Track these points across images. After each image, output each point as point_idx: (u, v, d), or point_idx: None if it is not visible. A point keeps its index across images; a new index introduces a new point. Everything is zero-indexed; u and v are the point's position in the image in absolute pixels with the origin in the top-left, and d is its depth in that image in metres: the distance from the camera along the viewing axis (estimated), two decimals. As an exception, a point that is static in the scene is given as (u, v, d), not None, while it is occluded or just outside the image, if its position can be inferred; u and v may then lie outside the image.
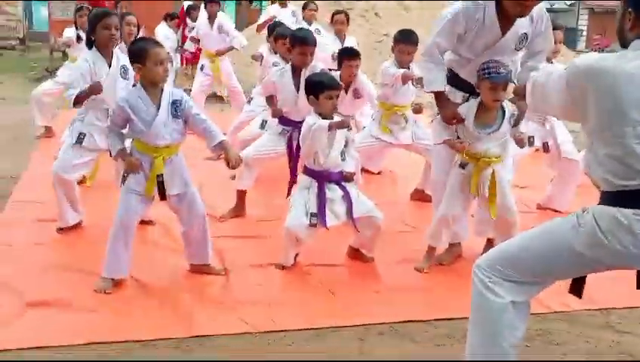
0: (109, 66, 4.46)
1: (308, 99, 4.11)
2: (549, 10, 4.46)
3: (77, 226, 4.70)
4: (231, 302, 3.68)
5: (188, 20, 11.81)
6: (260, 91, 6.24)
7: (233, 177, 6.13)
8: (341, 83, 4.88)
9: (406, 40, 5.42)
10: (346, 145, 4.12)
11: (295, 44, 4.89)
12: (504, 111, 3.97)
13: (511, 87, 3.90)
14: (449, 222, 4.14)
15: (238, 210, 5.16)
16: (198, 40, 8.69)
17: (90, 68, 4.38)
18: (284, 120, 5.05)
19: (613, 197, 2.41)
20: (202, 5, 9.31)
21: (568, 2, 35.05)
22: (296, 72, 4.92)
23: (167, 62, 3.70)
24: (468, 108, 3.98)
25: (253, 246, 4.53)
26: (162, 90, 3.68)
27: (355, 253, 4.34)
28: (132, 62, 3.68)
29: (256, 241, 4.63)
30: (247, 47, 8.65)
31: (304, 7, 8.59)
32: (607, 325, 3.55)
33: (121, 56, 4.54)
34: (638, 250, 2.36)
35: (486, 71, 3.83)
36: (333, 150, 4.02)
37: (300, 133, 4.78)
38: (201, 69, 8.50)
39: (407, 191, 5.84)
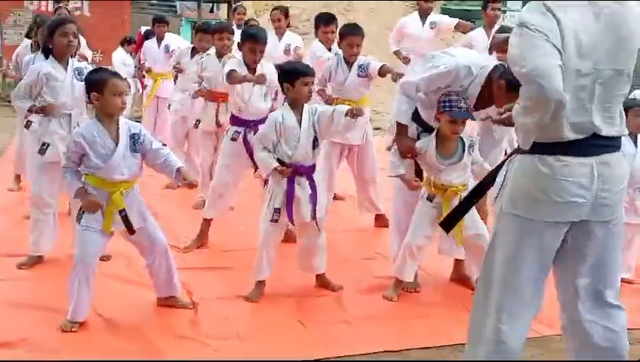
0: (66, 71, 4.45)
1: (282, 87, 4.12)
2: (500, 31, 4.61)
3: (37, 260, 4.57)
4: (201, 336, 3.61)
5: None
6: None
7: (196, 206, 6.11)
8: None
9: (352, 31, 5.44)
10: (316, 133, 4.07)
11: (245, 40, 4.92)
12: (463, 142, 4.03)
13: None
14: (414, 252, 4.15)
15: (202, 239, 5.09)
16: (148, 68, 8.54)
17: (40, 79, 4.41)
18: (235, 120, 5.03)
19: (534, 147, 2.50)
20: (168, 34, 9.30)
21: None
22: (250, 68, 4.90)
23: (125, 95, 3.64)
24: (428, 142, 4.03)
25: (220, 278, 4.47)
26: (118, 122, 3.61)
27: (323, 283, 4.32)
28: (89, 91, 3.60)
29: (223, 272, 4.57)
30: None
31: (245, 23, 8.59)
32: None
33: (74, 60, 4.54)
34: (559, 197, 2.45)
35: (447, 104, 3.85)
36: (301, 142, 4.00)
37: (255, 133, 4.70)
38: (145, 88, 8.44)
39: (368, 216, 5.82)
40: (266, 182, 4.62)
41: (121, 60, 10.93)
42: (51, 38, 4.41)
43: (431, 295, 4.28)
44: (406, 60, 8.50)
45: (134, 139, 3.61)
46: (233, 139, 4.98)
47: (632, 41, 2.48)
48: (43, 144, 4.45)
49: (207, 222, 5.10)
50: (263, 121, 4.95)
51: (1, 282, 4.28)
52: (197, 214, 5.88)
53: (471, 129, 4.35)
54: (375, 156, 5.67)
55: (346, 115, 3.98)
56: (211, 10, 27.23)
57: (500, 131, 4.64)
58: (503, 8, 8.80)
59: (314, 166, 4.10)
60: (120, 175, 3.57)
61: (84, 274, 3.61)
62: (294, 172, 4.01)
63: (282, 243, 4.43)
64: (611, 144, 2.51)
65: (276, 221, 4.03)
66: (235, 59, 5.04)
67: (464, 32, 8.43)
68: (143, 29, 12.43)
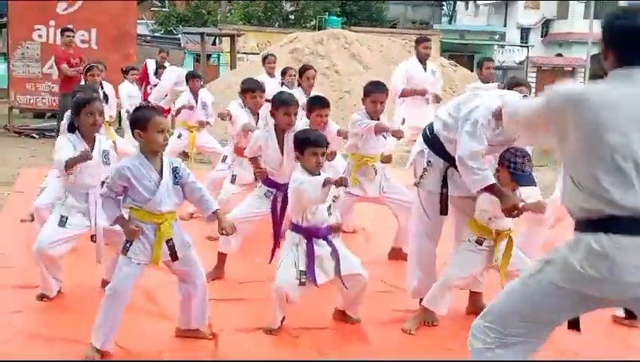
0: (92, 150, 4.41)
1: (295, 155, 4.16)
2: (498, 68, 4.64)
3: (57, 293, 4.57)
4: (222, 369, 3.63)
5: (151, 78, 11.85)
6: (233, 150, 6.25)
7: (210, 237, 6.13)
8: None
9: (377, 89, 5.51)
10: (333, 201, 4.13)
11: (279, 105, 4.92)
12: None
13: None
14: (452, 288, 4.21)
15: (219, 272, 5.11)
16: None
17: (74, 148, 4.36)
18: (268, 181, 5.04)
19: (585, 224, 2.50)
20: (167, 65, 9.38)
21: (517, 60, 36.49)
22: (279, 133, 4.96)
23: (167, 132, 3.72)
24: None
25: (238, 310, 4.48)
26: (161, 157, 3.70)
27: (341, 316, 4.33)
28: (133, 128, 3.68)
29: (241, 304, 4.59)
30: (214, 105, 8.70)
31: (283, 73, 8.76)
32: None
33: (102, 140, 4.55)
34: (614, 276, 2.43)
35: (512, 165, 3.92)
36: (320, 206, 4.04)
37: (284, 195, 4.85)
38: (179, 137, 8.39)
39: (381, 248, 5.85)
40: (272, 256, 4.71)
41: (127, 92, 11.03)
42: (77, 117, 4.42)
43: (449, 329, 4.28)
44: (422, 92, 8.74)
45: (176, 172, 3.71)
46: (266, 196, 4.97)
47: None
48: (62, 217, 4.42)
49: (222, 256, 5.13)
50: None
51: (18, 314, 4.29)
52: (210, 245, 5.92)
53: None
54: (403, 193, 5.59)
55: (325, 184, 3.91)
56: (213, 43, 27.58)
57: None
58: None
59: (330, 229, 4.11)
60: (166, 206, 3.65)
61: (118, 304, 3.65)
62: (312, 235, 4.03)
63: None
64: None
65: (303, 284, 4.01)
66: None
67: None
68: (149, 61, 12.64)
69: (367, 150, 5.59)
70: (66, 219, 4.40)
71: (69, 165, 4.28)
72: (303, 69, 8.14)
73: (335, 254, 4.05)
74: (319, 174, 4.06)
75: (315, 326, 4.23)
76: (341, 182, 3.90)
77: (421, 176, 4.25)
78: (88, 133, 4.43)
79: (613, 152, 2.42)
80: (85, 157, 4.29)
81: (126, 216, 3.71)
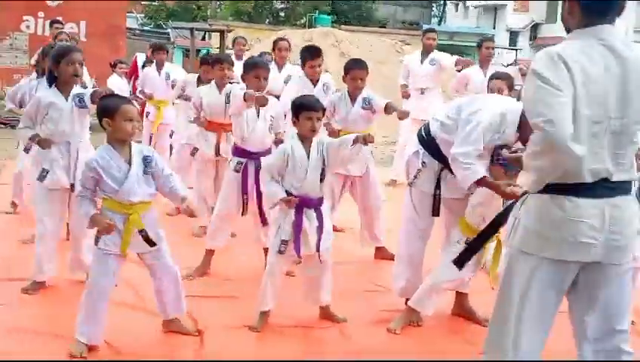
0: (66, 100, 4.47)
1: (292, 120, 4.20)
2: None
3: (40, 285, 4.55)
4: (208, 366, 3.62)
5: (140, 72, 11.76)
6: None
7: (196, 234, 6.13)
8: None
9: (357, 65, 5.57)
10: (324, 166, 4.11)
11: (249, 69, 5.01)
12: None
13: None
14: (440, 290, 4.23)
15: (205, 268, 5.11)
16: (146, 94, 8.46)
17: (42, 108, 4.45)
18: (238, 151, 5.06)
19: (547, 187, 2.56)
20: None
21: (505, 63, 36.57)
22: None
23: (137, 120, 3.67)
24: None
25: (224, 307, 4.47)
26: (130, 146, 3.66)
27: (327, 314, 4.34)
28: (102, 117, 3.63)
29: (227, 301, 4.58)
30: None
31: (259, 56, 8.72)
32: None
33: (75, 88, 4.54)
34: (571, 236, 2.51)
35: (502, 158, 3.86)
36: (308, 174, 4.04)
37: (256, 165, 4.89)
38: (146, 115, 8.42)
39: (368, 248, 5.86)
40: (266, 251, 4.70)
41: (116, 86, 10.95)
42: (57, 66, 4.43)
43: (434, 329, 4.30)
44: (405, 95, 8.84)
45: (147, 161, 3.67)
46: (237, 171, 5.02)
47: None
48: (43, 170, 4.49)
49: (209, 252, 5.12)
50: (265, 153, 5.03)
51: (1, 307, 4.26)
52: (196, 242, 5.92)
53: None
54: (378, 188, 5.73)
55: (355, 142, 4.03)
56: (203, 38, 27.48)
57: None
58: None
59: (321, 199, 4.14)
60: (135, 196, 3.61)
61: (99, 298, 3.63)
62: (302, 204, 4.04)
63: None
64: (622, 187, 2.58)
65: (282, 252, 4.06)
66: (238, 86, 5.11)
67: (464, 67, 8.65)
68: (139, 55, 12.56)
69: (348, 126, 5.54)
70: (47, 172, 4.41)
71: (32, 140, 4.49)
72: (276, 41, 8.02)
73: (320, 230, 4.07)
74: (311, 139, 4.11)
75: (301, 325, 4.23)
76: (369, 139, 4.04)
77: (415, 176, 4.26)
78: (68, 84, 4.45)
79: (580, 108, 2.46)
80: (45, 144, 4.45)
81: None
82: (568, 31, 2.66)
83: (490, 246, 4.13)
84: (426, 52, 9.07)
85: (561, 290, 2.65)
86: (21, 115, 5.91)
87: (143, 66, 11.88)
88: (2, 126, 13.07)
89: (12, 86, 13.01)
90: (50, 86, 4.51)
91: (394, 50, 17.82)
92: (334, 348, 3.96)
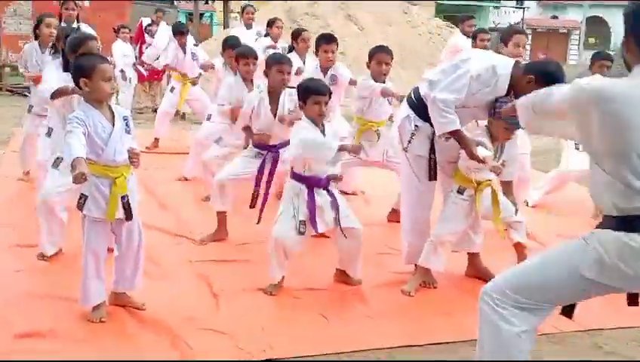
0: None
1: (298, 103, 4.18)
2: (492, 30, 4.63)
3: (57, 253, 4.58)
4: (224, 329, 3.64)
5: (146, 37, 11.71)
6: (222, 111, 6.14)
7: (206, 198, 6.12)
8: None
9: (382, 50, 5.53)
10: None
11: (272, 64, 4.91)
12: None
13: None
14: (444, 243, 4.26)
15: (221, 234, 5.12)
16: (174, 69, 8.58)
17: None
18: (258, 144, 5.04)
19: (619, 222, 2.47)
20: (162, 24, 9.36)
21: (512, 22, 36.18)
22: (272, 94, 4.93)
23: (114, 80, 3.61)
24: (484, 138, 4.12)
25: (238, 271, 4.50)
26: (110, 106, 3.61)
27: (342, 277, 4.36)
28: (79, 76, 3.54)
29: (241, 265, 4.61)
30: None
31: (269, 24, 8.64)
32: (596, 346, 3.67)
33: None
34: None
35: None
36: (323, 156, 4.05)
37: (274, 158, 4.90)
38: (171, 90, 8.52)
39: (381, 211, 5.89)
40: (259, 218, 4.74)
41: (121, 51, 10.94)
42: (74, 56, 4.30)
43: (448, 291, 4.32)
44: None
45: (126, 121, 3.63)
46: (257, 157, 4.99)
47: None
48: (49, 128, 4.81)
49: (222, 217, 5.12)
50: (284, 145, 4.96)
51: (20, 273, 4.31)
52: (207, 207, 5.93)
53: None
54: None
55: (341, 150, 4.05)
56: (206, 2, 27.24)
57: None
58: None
59: (329, 179, 4.10)
60: (120, 155, 3.54)
61: (94, 263, 3.62)
62: (314, 184, 4.04)
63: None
64: None
65: (303, 233, 4.04)
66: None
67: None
68: (144, 20, 12.47)
69: (371, 114, 5.59)
70: (61, 159, 4.32)
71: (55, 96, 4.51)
72: (298, 31, 7.78)
73: (335, 204, 4.08)
74: (323, 124, 4.10)
75: (316, 288, 4.26)
76: (355, 151, 4.09)
77: (409, 141, 4.23)
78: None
79: (638, 151, 2.38)
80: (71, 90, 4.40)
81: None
82: (629, 69, 2.57)
83: (483, 194, 4.16)
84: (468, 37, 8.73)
85: None
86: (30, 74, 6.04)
87: (146, 29, 11.87)
88: (9, 93, 13.06)
89: (17, 53, 13.04)
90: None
91: (401, 12, 17.61)
92: (350, 310, 3.98)
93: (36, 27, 6.26)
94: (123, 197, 3.57)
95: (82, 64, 3.58)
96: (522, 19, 37.47)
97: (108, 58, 3.95)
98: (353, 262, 4.31)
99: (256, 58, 5.84)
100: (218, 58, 7.54)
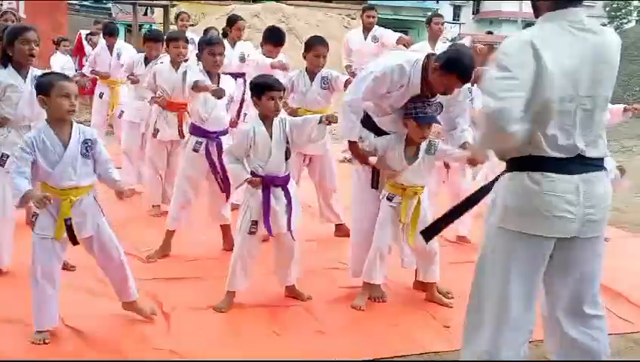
0: (24, 81, 4.36)
1: (253, 100, 4.18)
2: None
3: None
4: (176, 348, 3.60)
5: (86, 48, 11.51)
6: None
7: (152, 214, 6.08)
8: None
9: (319, 42, 5.56)
10: (288, 145, 4.12)
11: (204, 46, 5.00)
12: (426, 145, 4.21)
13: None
14: (383, 254, 4.27)
15: (165, 250, 5.08)
16: (99, 73, 8.33)
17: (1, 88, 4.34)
18: (197, 130, 5.04)
19: (520, 163, 2.67)
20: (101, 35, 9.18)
21: (449, 37, 36.94)
22: (210, 76, 4.96)
23: (75, 97, 3.51)
24: (395, 141, 4.18)
25: (189, 288, 4.46)
26: (72, 127, 3.55)
27: (292, 292, 4.38)
28: (37, 93, 3.54)
29: (190, 282, 4.57)
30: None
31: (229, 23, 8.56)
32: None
33: (32, 70, 4.42)
34: (547, 211, 2.60)
35: (413, 111, 4.05)
36: (273, 154, 4.05)
37: (217, 145, 4.93)
38: (100, 96, 8.28)
39: (330, 226, 5.92)
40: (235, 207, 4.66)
41: (60, 65, 10.68)
42: (11, 46, 4.30)
43: (397, 304, 4.38)
44: (353, 75, 8.75)
45: (87, 145, 3.56)
46: (195, 150, 5.00)
47: (611, 70, 2.65)
48: (2, 155, 4.36)
49: (170, 233, 5.09)
50: (224, 132, 5.04)
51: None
52: (152, 221, 5.88)
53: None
54: (334, 165, 5.78)
55: (320, 122, 4.06)
56: (145, 13, 26.89)
57: None
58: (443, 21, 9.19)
59: (288, 177, 4.16)
60: (69, 181, 3.49)
61: (46, 282, 3.56)
62: (269, 183, 4.05)
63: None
64: (594, 163, 2.67)
65: (253, 233, 4.08)
66: (195, 68, 5.06)
67: (406, 46, 8.68)
68: (83, 32, 12.26)
69: (307, 104, 5.56)
70: (7, 157, 4.28)
71: None
72: (233, 19, 7.83)
73: (289, 208, 4.11)
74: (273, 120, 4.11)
75: (267, 304, 4.26)
76: (332, 120, 4.06)
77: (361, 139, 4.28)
78: (25, 64, 4.34)
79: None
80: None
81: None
82: (537, 15, 2.72)
83: (410, 202, 4.20)
84: (366, 29, 9.08)
85: (541, 265, 2.73)
86: None
87: (87, 38, 11.63)
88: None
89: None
90: (5, 67, 4.37)
91: (341, 26, 17.81)
92: (302, 326, 4.00)
93: None
94: (66, 221, 3.52)
95: (40, 81, 3.57)
96: (459, 35, 38.30)
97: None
98: (289, 268, 4.31)
99: (186, 41, 6.02)
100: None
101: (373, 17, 9.14)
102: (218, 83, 4.97)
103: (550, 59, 2.51)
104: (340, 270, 4.93)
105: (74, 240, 3.60)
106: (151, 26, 27.07)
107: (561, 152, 2.61)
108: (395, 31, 9.32)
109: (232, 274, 4.13)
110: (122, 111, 7.32)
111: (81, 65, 11.13)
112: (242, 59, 7.29)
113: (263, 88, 4.08)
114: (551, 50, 2.53)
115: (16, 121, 4.37)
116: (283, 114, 4.98)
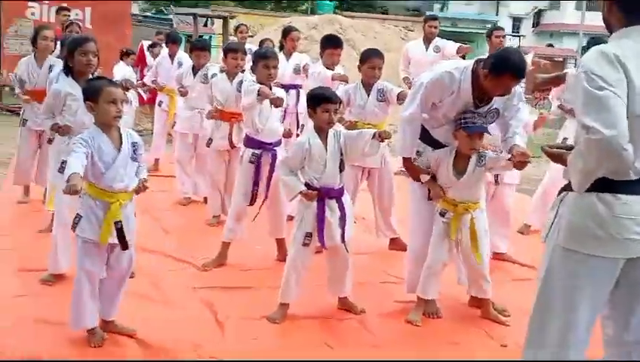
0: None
1: (308, 111, 4.20)
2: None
3: (59, 277, 4.55)
4: (230, 356, 3.62)
5: (148, 59, 11.74)
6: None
7: (211, 224, 6.14)
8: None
9: (375, 54, 5.51)
10: (342, 157, 4.12)
11: (258, 59, 5.03)
12: (475, 158, 4.13)
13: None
14: (437, 271, 4.22)
15: (221, 259, 5.11)
16: (158, 84, 8.44)
17: (61, 98, 4.47)
18: (251, 141, 5.07)
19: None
20: (164, 48, 9.35)
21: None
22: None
23: (121, 103, 3.57)
24: (445, 155, 4.13)
25: (243, 297, 4.49)
26: (119, 130, 3.61)
27: (346, 305, 4.35)
28: (85, 99, 3.61)
29: (245, 292, 4.59)
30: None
31: (261, 43, 8.61)
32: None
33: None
34: (618, 234, 2.51)
35: (462, 121, 4.01)
36: (328, 166, 4.05)
37: (272, 156, 4.97)
38: (159, 104, 8.44)
39: (382, 239, 5.86)
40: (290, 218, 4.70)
41: (122, 74, 10.89)
42: (72, 57, 4.43)
43: (453, 320, 4.30)
44: (410, 87, 8.69)
45: (135, 147, 3.63)
46: (251, 162, 5.03)
47: None
48: (62, 162, 4.43)
49: (226, 245, 5.12)
50: (278, 143, 5.06)
51: (24, 298, 4.28)
52: (210, 231, 5.93)
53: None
54: (393, 180, 5.73)
55: (373, 137, 4.04)
56: (205, 25, 27.35)
57: None
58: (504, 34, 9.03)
59: (342, 189, 4.14)
60: (120, 182, 3.54)
61: (87, 285, 3.59)
62: (324, 195, 4.04)
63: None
64: None
65: (307, 245, 4.07)
66: (251, 78, 5.11)
67: (464, 56, 8.58)
68: (145, 43, 12.51)
69: (365, 116, 5.51)
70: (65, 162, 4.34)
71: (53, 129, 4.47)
72: (288, 30, 7.92)
73: (343, 221, 4.09)
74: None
75: (320, 316, 4.24)
76: (387, 136, 4.07)
77: (418, 153, 4.26)
78: (83, 74, 4.43)
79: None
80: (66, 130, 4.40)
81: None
82: (610, 30, 2.64)
83: (462, 220, 4.12)
84: (427, 40, 8.98)
85: (608, 287, 2.64)
86: (26, 97, 6.02)
87: (149, 49, 11.89)
88: (9, 113, 13.05)
89: (18, 73, 13.03)
90: (66, 76, 4.50)
91: (398, 37, 17.70)
92: (355, 339, 3.96)
93: (33, 40, 6.22)
94: (117, 223, 3.55)
95: (88, 87, 3.64)
96: (519, 47, 37.77)
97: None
98: (342, 281, 4.29)
99: (245, 53, 6.04)
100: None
101: (436, 28, 9.03)
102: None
103: (635, 76, 2.43)
104: (394, 284, 4.88)
105: (124, 244, 3.60)
106: (210, 37, 27.56)
107: (635, 174, 2.51)
108: (424, 17, 9.21)
109: (286, 285, 4.13)
110: (175, 122, 7.41)
111: (142, 76, 11.35)
112: (297, 70, 7.34)
113: (320, 100, 4.08)
114: (633, 66, 2.44)
115: (76, 129, 4.46)
116: (338, 126, 5.00)
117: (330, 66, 6.48)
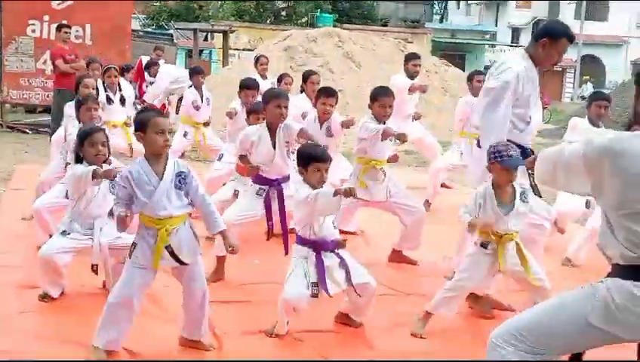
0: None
1: (298, 169, 4.19)
2: (488, 68, 5.03)
3: (60, 294, 4.57)
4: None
5: (146, 75, 11.84)
6: (231, 148, 6.25)
7: (209, 238, 6.14)
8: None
9: (385, 93, 5.57)
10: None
11: (270, 99, 5.04)
12: (514, 189, 4.17)
13: None
14: (461, 294, 4.30)
15: (219, 274, 5.12)
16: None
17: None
18: (259, 178, 5.10)
19: (627, 271, 2.54)
20: (162, 63, 9.48)
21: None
22: (272, 128, 5.02)
23: (169, 132, 3.70)
24: (485, 192, 4.16)
25: (241, 312, 4.52)
26: (167, 160, 3.69)
27: (344, 318, 4.37)
28: (135, 130, 3.72)
29: (243, 306, 4.62)
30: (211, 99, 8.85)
31: (279, 80, 8.67)
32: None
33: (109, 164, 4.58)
34: None
35: (497, 155, 4.02)
36: (328, 218, 4.08)
37: (278, 192, 4.96)
38: (184, 135, 8.49)
39: (381, 251, 5.90)
40: (286, 249, 4.77)
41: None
42: (81, 147, 4.46)
43: (459, 331, 4.36)
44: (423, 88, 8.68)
45: (180, 177, 3.68)
46: (259, 195, 5.07)
47: None
48: (64, 231, 4.48)
49: (221, 259, 5.12)
50: (285, 179, 5.08)
51: (26, 314, 4.31)
52: (208, 246, 5.90)
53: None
54: (409, 197, 5.75)
55: (336, 194, 3.92)
56: (205, 39, 27.54)
57: None
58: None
59: (336, 242, 4.13)
60: (164, 210, 3.63)
61: (122, 308, 3.66)
62: (319, 248, 4.05)
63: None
64: None
65: (316, 296, 4.02)
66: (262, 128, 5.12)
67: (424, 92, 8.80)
68: (143, 58, 12.62)
69: (375, 154, 5.59)
70: (69, 233, 4.45)
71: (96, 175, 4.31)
72: (308, 74, 7.96)
73: (344, 264, 4.07)
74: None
75: (319, 329, 4.26)
76: (350, 193, 3.90)
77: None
78: (93, 163, 4.42)
79: None
80: (108, 174, 4.30)
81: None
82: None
83: (507, 248, 4.15)
84: (412, 78, 8.59)
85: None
86: None
87: (146, 68, 12.00)
88: (9, 130, 13.14)
89: (18, 90, 13.12)
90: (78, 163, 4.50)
91: (397, 50, 17.79)
92: (355, 352, 3.99)
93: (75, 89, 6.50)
94: (167, 247, 3.66)
95: (138, 118, 3.73)
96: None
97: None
98: (362, 310, 4.30)
99: (257, 90, 6.08)
100: (235, 100, 7.39)
101: (420, 66, 8.85)
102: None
103: None
104: (391, 296, 4.93)
105: (180, 261, 3.72)
106: (210, 51, 27.72)
107: None
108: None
109: (281, 320, 4.08)
110: (222, 155, 7.26)
111: (141, 92, 11.44)
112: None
113: (310, 159, 4.09)
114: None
115: (84, 218, 4.46)
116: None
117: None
